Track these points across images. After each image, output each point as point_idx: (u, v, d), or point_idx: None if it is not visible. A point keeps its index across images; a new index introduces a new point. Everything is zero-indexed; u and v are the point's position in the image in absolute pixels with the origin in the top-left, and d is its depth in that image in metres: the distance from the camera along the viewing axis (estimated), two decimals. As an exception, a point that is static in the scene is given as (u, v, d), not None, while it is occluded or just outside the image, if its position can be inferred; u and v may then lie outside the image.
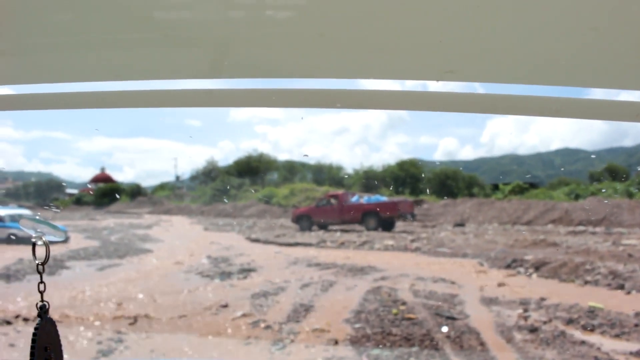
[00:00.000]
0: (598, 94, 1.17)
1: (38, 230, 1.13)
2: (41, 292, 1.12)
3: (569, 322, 7.81)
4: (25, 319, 8.09)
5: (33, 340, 1.07)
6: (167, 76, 1.26)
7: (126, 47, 1.15)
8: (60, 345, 1.15)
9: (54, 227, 1.14)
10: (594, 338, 7.19)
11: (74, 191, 42.00)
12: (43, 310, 1.11)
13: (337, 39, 1.05)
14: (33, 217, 1.17)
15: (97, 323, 8.11)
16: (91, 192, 40.75)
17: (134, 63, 1.24)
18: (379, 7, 0.93)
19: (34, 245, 1.12)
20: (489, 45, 1.04)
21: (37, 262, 1.12)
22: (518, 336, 7.28)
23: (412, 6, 0.91)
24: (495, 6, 0.90)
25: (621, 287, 9.75)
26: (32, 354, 1.06)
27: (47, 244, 1.13)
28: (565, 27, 0.94)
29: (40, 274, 1.12)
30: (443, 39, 1.00)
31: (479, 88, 1.20)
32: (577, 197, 25.21)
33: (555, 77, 1.11)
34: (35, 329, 1.08)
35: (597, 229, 18.94)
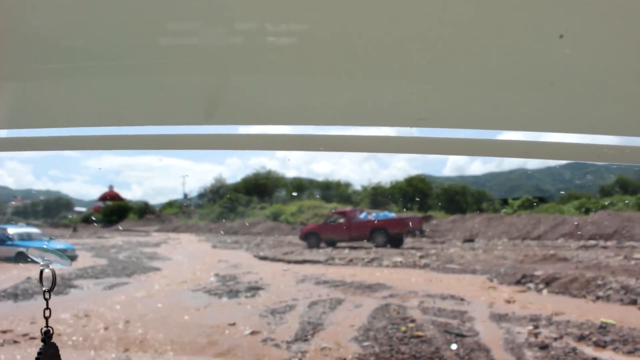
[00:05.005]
0: (558, 137, 1.32)
1: (45, 258, 1.16)
2: (46, 318, 1.16)
3: (581, 338, 7.70)
4: (33, 338, 8.08)
5: None
6: (161, 122, 1.41)
7: (128, 96, 1.30)
8: None
9: (61, 255, 1.17)
10: (606, 355, 7.08)
11: (82, 209, 42.17)
12: (47, 336, 1.14)
13: (320, 91, 1.23)
14: (41, 246, 1.21)
15: (104, 343, 8.08)
16: (99, 210, 40.86)
17: (142, 110, 1.39)
18: (358, 68, 1.11)
19: (41, 272, 1.16)
20: (454, 96, 1.19)
21: (43, 288, 1.16)
22: (528, 353, 7.19)
23: (386, 68, 1.09)
24: (458, 66, 1.06)
25: (634, 302, 9.62)
26: None
27: (53, 272, 1.17)
28: (526, 81, 1.09)
29: (47, 300, 1.16)
30: (415, 92, 1.17)
31: (447, 133, 1.32)
32: (587, 211, 24.94)
33: (521, 123, 1.25)
34: (39, 354, 1.12)
35: (609, 243, 18.71)
